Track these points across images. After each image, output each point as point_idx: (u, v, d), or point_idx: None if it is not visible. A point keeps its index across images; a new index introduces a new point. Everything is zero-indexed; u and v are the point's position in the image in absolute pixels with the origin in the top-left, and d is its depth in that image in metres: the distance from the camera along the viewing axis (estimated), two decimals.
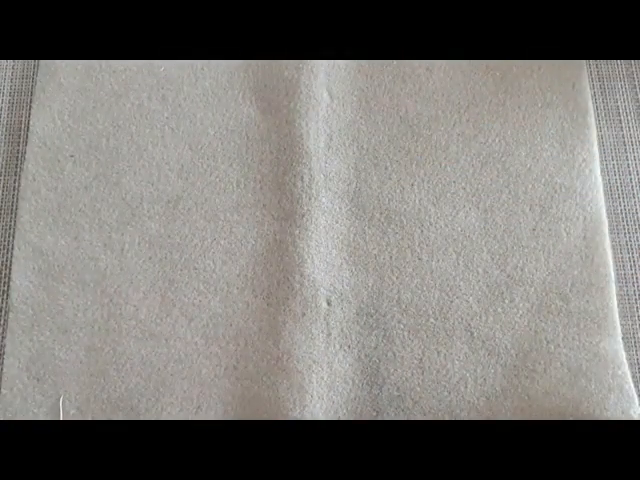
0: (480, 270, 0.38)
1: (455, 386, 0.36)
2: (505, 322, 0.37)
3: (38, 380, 0.36)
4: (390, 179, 0.40)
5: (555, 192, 0.40)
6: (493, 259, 0.38)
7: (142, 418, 0.35)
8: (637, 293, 0.39)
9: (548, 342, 0.37)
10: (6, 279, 0.39)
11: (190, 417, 0.35)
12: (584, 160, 0.40)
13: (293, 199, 0.40)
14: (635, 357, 0.37)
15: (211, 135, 0.42)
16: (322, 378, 0.36)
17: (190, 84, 0.43)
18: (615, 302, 0.38)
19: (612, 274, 0.38)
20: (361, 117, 0.42)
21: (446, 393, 0.36)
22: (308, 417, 0.35)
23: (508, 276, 0.38)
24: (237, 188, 0.40)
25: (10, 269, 0.39)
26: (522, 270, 0.38)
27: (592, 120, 0.42)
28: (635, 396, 0.36)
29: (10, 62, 0.45)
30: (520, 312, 0.37)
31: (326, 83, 0.43)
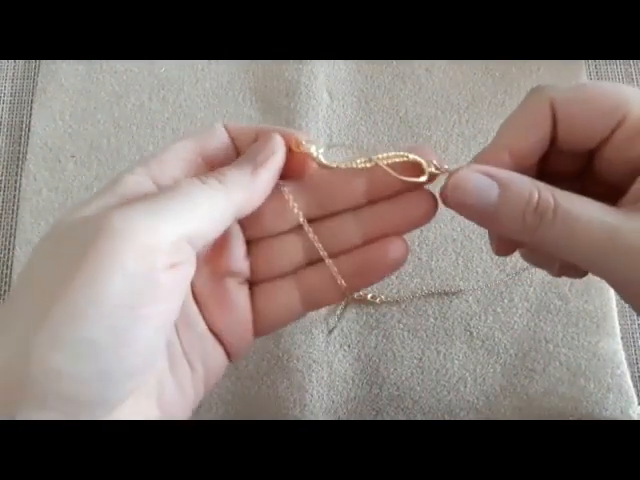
0: (479, 270, 0.38)
1: (454, 386, 0.36)
2: (504, 322, 0.37)
3: None
4: None
5: None
6: (492, 259, 0.39)
7: None
8: None
9: (547, 342, 0.37)
10: (7, 279, 0.40)
11: (190, 417, 0.35)
12: None
13: None
14: (634, 357, 0.38)
15: None
16: (322, 377, 0.36)
17: (191, 85, 0.43)
18: (614, 302, 0.38)
19: None
20: (361, 118, 0.42)
21: (445, 392, 0.36)
22: (308, 416, 0.35)
23: (507, 276, 0.38)
24: None
25: (11, 269, 0.39)
26: (521, 270, 0.38)
27: None
28: (634, 396, 0.36)
29: (11, 62, 0.45)
30: (519, 312, 0.38)
31: (326, 84, 0.43)
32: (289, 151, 0.25)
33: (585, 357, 0.37)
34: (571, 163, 0.26)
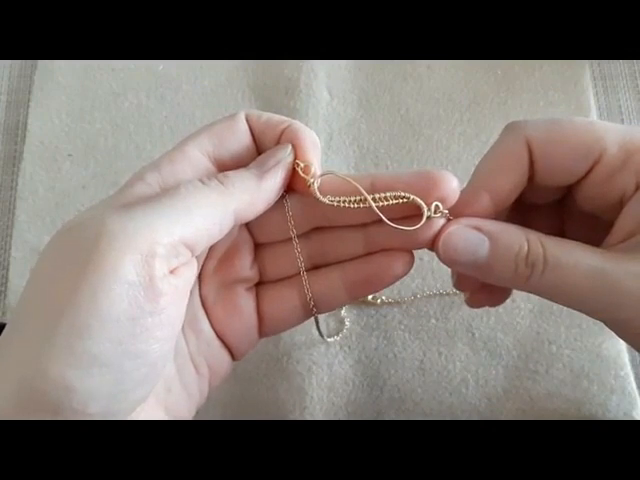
0: None
1: (456, 388, 0.36)
2: (507, 323, 0.37)
3: None
4: None
5: None
6: None
7: None
8: None
9: (550, 343, 0.37)
10: (4, 280, 0.39)
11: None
12: None
13: None
14: (638, 358, 0.37)
15: None
16: (322, 380, 0.36)
17: (189, 83, 0.43)
18: None
19: None
20: (361, 116, 0.42)
21: (447, 395, 0.36)
22: (308, 419, 0.35)
23: None
24: None
25: (8, 269, 0.39)
26: None
27: (594, 119, 0.41)
28: (637, 397, 0.36)
29: (7, 61, 0.44)
30: (522, 313, 0.37)
31: (326, 82, 0.42)
32: (297, 165, 0.25)
33: (588, 359, 0.36)
34: (549, 195, 0.26)
